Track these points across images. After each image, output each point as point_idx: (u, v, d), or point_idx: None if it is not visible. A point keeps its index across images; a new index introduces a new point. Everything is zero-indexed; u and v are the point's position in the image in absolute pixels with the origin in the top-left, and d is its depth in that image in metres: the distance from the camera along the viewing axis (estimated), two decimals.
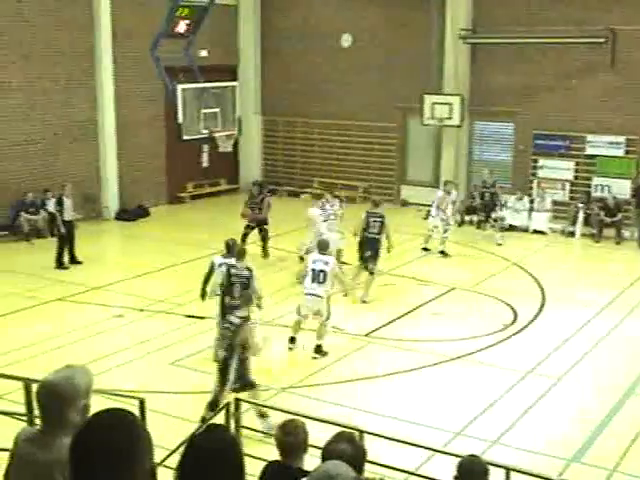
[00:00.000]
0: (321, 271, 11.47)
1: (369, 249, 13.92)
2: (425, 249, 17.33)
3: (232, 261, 11.00)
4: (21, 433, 3.49)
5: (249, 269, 10.85)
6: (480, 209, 19.14)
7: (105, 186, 20.34)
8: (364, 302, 13.70)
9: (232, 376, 8.76)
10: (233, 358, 8.77)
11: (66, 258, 15.90)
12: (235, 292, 10.58)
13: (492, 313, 13.48)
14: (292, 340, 11.69)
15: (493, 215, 18.48)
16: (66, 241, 15.92)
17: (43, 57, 18.73)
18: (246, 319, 9.23)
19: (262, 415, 8.77)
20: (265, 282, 14.38)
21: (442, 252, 17.07)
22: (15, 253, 17.07)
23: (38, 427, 3.43)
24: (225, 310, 10.37)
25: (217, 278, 11.19)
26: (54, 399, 3.23)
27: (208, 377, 10.60)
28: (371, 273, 13.95)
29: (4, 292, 14.08)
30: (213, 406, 8.73)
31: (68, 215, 15.94)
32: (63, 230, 15.78)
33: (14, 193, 18.17)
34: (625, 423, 9.51)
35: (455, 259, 17.01)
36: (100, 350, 11.39)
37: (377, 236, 13.99)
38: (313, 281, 11.47)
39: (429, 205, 20.98)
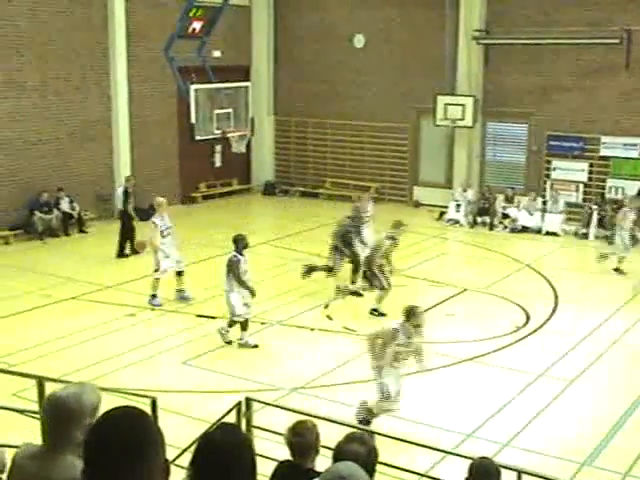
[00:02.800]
0: None
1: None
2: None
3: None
4: (21, 450, 3.39)
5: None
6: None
7: (118, 185, 20.38)
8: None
9: None
10: None
11: (126, 247, 16.83)
12: None
13: (504, 315, 13.44)
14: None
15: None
16: (131, 232, 16.82)
17: (58, 57, 18.82)
18: None
19: None
20: (278, 282, 14.43)
21: (616, 269, 16.19)
22: (29, 252, 17.18)
23: (40, 444, 3.36)
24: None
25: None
26: (61, 415, 3.17)
27: (219, 376, 10.66)
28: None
29: (19, 291, 14.16)
30: None
31: (130, 208, 16.94)
32: (131, 221, 16.78)
33: (28, 192, 18.27)
34: (638, 426, 9.46)
35: (467, 260, 16.97)
36: (112, 349, 11.45)
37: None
38: None
39: (442, 206, 21.06)
